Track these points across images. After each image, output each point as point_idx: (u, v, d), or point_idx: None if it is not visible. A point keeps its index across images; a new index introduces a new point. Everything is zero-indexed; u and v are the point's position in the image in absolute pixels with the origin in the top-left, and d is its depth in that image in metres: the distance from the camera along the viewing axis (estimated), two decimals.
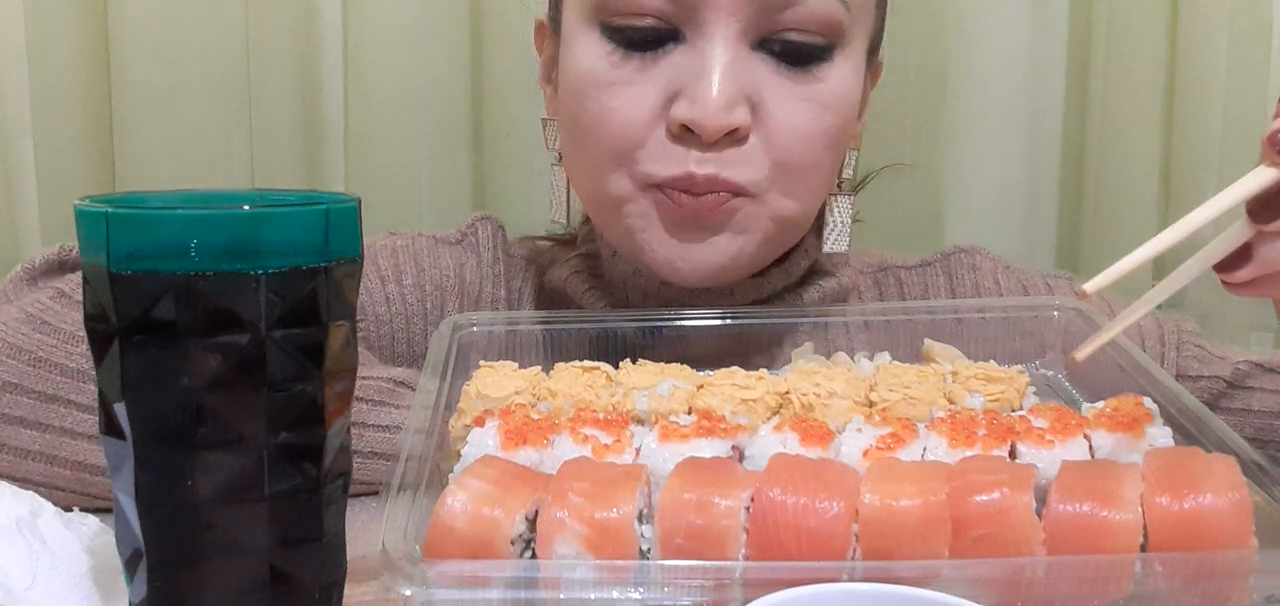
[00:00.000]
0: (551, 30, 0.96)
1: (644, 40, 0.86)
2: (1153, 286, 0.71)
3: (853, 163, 0.96)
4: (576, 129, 0.90)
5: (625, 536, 0.59)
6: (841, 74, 0.88)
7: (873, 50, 0.93)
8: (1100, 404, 0.74)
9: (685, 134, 0.85)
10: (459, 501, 0.60)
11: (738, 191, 0.86)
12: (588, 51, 0.88)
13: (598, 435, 0.68)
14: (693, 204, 0.86)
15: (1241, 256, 0.67)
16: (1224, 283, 0.68)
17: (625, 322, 0.89)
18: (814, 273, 0.99)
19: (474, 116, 1.42)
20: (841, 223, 0.95)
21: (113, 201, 0.49)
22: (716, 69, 0.83)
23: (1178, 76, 1.44)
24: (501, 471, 0.63)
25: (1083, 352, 0.66)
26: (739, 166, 0.85)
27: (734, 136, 0.85)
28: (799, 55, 0.86)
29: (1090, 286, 0.65)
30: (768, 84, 0.85)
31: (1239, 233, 0.67)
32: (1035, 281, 1.04)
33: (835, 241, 0.95)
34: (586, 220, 1.01)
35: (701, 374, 0.79)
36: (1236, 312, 1.39)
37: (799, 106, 0.86)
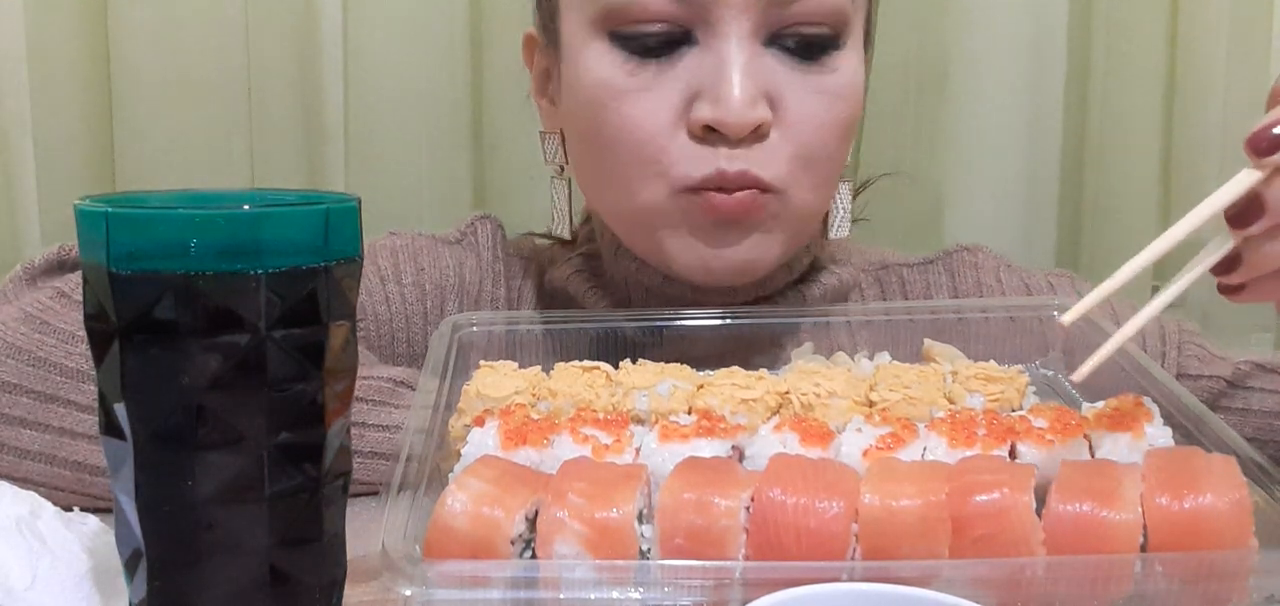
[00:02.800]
0: (546, 43, 0.95)
1: (657, 46, 0.86)
2: (1152, 292, 0.71)
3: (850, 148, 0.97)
4: (596, 141, 0.89)
5: (625, 536, 0.59)
6: (850, 63, 0.89)
7: (867, 37, 0.94)
8: (1100, 404, 0.74)
9: (709, 134, 0.85)
10: (459, 501, 0.60)
11: (765, 188, 0.86)
12: (599, 62, 0.87)
13: (598, 435, 0.68)
14: (726, 202, 0.86)
15: (1233, 261, 0.66)
16: (1220, 287, 0.67)
17: (625, 322, 0.89)
18: (815, 268, 0.99)
19: (474, 116, 1.41)
20: (843, 209, 0.96)
21: (113, 201, 0.49)
22: (735, 68, 0.84)
23: (1178, 76, 1.44)
24: (501, 471, 0.63)
25: (1081, 373, 0.65)
26: (764, 162, 0.86)
27: (757, 133, 0.85)
28: (809, 48, 0.87)
29: (1067, 317, 0.65)
30: (783, 79, 0.86)
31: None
32: (1037, 280, 1.04)
33: (839, 228, 0.96)
34: (586, 220, 1.01)
35: (701, 374, 0.79)
36: (1237, 313, 1.39)
37: (815, 99, 0.87)
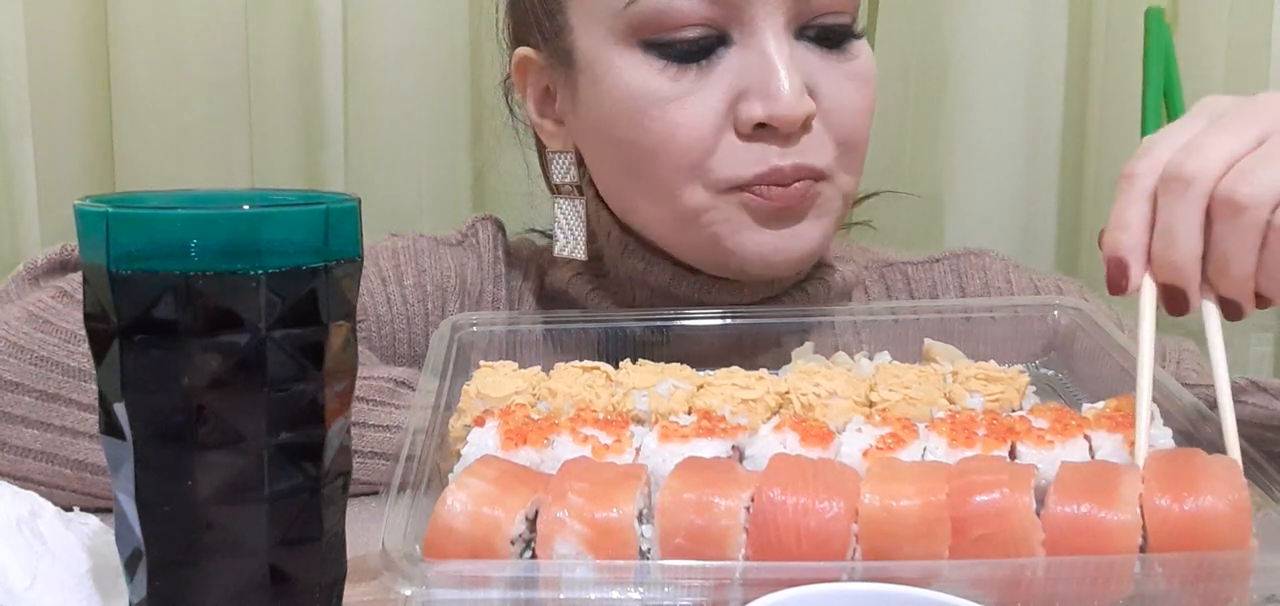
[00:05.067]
0: (548, 62, 0.93)
1: (694, 50, 0.86)
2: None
3: None
4: (633, 151, 0.89)
5: (625, 536, 0.59)
6: (866, 48, 0.91)
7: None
8: (1100, 404, 0.74)
9: (758, 132, 0.86)
10: (459, 501, 0.60)
11: (817, 175, 0.88)
12: (635, 72, 0.87)
13: (598, 435, 0.68)
14: (783, 195, 0.87)
15: (1231, 306, 0.69)
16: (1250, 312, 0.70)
17: (625, 322, 0.89)
18: (820, 265, 0.99)
19: (474, 116, 1.41)
20: None
21: (113, 201, 0.49)
22: (781, 64, 0.85)
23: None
24: (501, 471, 0.63)
25: (1233, 451, 0.66)
26: (813, 151, 0.87)
27: (805, 124, 0.86)
28: (831, 37, 0.88)
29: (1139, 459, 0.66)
30: (817, 69, 0.88)
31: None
32: (1047, 283, 1.05)
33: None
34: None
35: (701, 374, 0.79)
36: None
37: (847, 86, 0.89)
